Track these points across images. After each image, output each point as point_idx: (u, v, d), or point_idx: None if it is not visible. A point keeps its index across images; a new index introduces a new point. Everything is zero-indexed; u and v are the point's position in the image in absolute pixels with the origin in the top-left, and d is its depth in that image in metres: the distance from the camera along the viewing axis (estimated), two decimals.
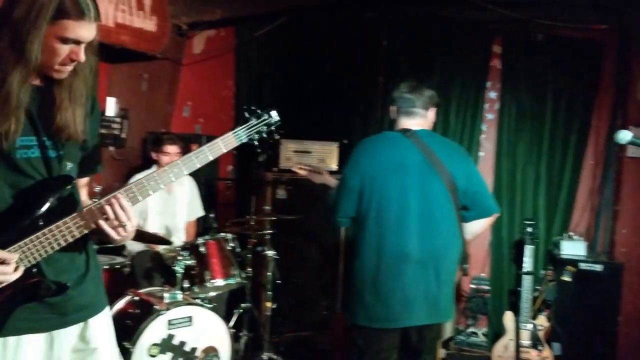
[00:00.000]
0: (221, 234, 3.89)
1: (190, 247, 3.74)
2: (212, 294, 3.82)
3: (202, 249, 3.72)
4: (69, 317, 1.83)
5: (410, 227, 2.74)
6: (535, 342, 4.23)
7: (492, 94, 5.13)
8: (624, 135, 2.45)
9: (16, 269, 1.64)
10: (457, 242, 2.86)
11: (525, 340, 4.22)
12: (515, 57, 5.03)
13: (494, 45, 5.08)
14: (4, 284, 1.63)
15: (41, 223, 1.69)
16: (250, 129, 1.96)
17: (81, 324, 1.87)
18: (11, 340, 1.72)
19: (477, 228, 2.93)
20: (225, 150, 1.91)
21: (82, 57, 1.70)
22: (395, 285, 2.73)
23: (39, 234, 1.68)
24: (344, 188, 2.99)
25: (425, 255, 2.73)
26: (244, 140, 1.95)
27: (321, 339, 4.82)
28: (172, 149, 4.25)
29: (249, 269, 4.07)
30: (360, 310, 2.82)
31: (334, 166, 5.10)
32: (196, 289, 3.68)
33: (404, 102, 3.02)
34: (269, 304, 4.06)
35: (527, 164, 5.00)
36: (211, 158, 1.88)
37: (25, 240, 1.67)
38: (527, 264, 4.27)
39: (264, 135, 1.99)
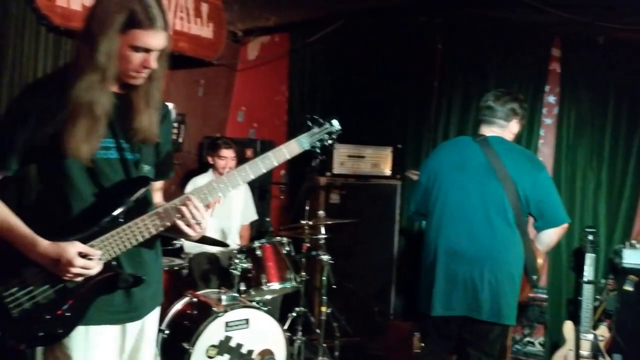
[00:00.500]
0: (277, 237, 3.92)
1: (246, 250, 3.78)
2: (268, 297, 3.85)
3: (258, 252, 3.76)
4: (140, 310, 1.97)
5: (462, 225, 2.93)
6: (596, 353, 4.10)
7: (551, 99, 5.02)
8: None
9: (98, 262, 1.77)
10: (515, 248, 2.92)
11: (586, 351, 4.10)
12: (575, 60, 4.90)
13: (553, 48, 4.96)
14: (87, 277, 1.76)
15: (121, 220, 1.82)
16: (313, 137, 2.03)
17: (142, 319, 2.00)
18: (92, 329, 1.84)
19: (547, 238, 2.98)
20: (289, 157, 1.98)
21: (153, 64, 1.80)
22: (440, 276, 2.96)
23: (119, 229, 1.80)
24: (416, 185, 3.29)
25: (473, 254, 2.90)
26: (307, 148, 2.02)
27: (374, 345, 4.80)
28: (227, 153, 4.33)
29: (303, 273, 4.08)
30: (420, 297, 3.13)
31: (387, 171, 5.08)
32: (252, 292, 3.72)
33: (486, 110, 3.11)
34: (324, 308, 4.06)
35: (587, 169, 4.86)
36: (276, 164, 1.96)
37: (106, 235, 1.79)
38: (588, 272, 4.15)
39: (325, 143, 2.07)
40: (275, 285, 3.76)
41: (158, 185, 2.10)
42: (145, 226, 1.82)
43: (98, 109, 1.77)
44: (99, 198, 1.82)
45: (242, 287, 3.71)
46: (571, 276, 4.71)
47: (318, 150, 2.05)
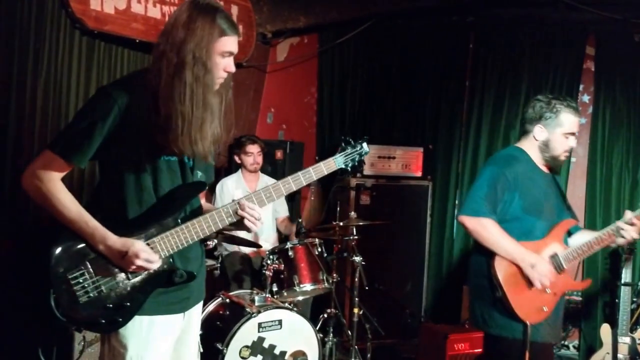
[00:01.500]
0: (309, 239, 3.91)
1: (279, 252, 3.78)
2: (300, 298, 3.84)
3: (290, 253, 3.75)
4: (190, 301, 2.10)
5: None
6: (634, 356, 4.01)
7: (585, 98, 4.94)
8: None
9: (159, 258, 1.93)
10: None
11: (623, 354, 4.01)
12: (609, 58, 4.81)
13: (587, 46, 4.87)
14: (149, 270, 1.92)
15: (179, 220, 2.00)
16: (347, 157, 2.22)
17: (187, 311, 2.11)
18: (146, 319, 1.96)
19: None
20: (326, 173, 2.18)
21: (234, 67, 1.98)
22: None
23: (177, 228, 1.96)
24: None
25: None
26: (341, 166, 2.21)
27: (406, 347, 4.76)
28: (253, 148, 4.39)
29: (335, 274, 4.06)
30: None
31: (418, 172, 5.03)
32: (285, 293, 3.71)
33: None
34: (355, 310, 4.03)
35: (623, 169, 4.76)
36: (315, 178, 2.16)
37: (165, 234, 1.95)
38: (625, 274, 4.06)
39: (356, 163, 2.26)
40: (308, 287, 3.75)
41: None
42: (201, 227, 1.98)
43: (217, 112, 1.95)
44: (161, 199, 1.97)
45: (275, 288, 3.70)
46: (606, 278, 4.61)
47: (349, 169, 2.23)
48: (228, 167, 5.03)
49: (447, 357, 3.83)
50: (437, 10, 5.00)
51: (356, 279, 4.04)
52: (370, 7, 4.86)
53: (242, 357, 3.30)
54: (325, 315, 4.12)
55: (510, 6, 4.82)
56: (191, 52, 1.86)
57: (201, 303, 2.21)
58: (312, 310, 4.38)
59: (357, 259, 4.02)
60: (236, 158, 4.50)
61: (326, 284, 3.83)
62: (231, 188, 4.40)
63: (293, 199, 4.98)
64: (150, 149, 1.93)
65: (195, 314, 2.17)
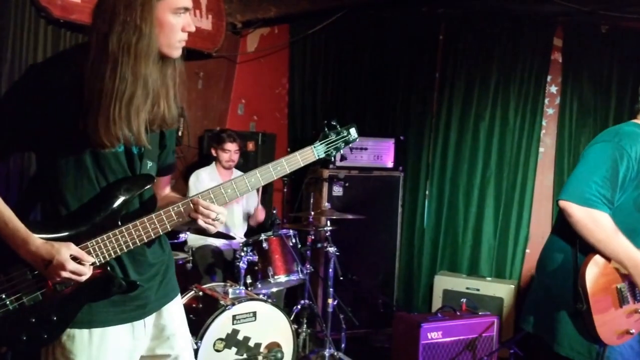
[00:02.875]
0: (283, 230, 3.89)
1: (253, 243, 3.76)
2: (274, 289, 3.83)
3: (264, 245, 3.73)
4: (148, 307, 1.87)
5: None
6: None
7: (553, 89, 5.00)
8: None
9: (90, 268, 1.66)
10: None
11: None
12: (577, 49, 4.89)
13: (555, 38, 4.94)
14: (77, 282, 1.65)
15: (119, 221, 1.71)
16: (329, 145, 1.98)
17: (155, 313, 1.91)
18: (97, 332, 1.75)
19: None
20: (302, 164, 1.93)
21: (193, 26, 1.70)
22: None
23: (116, 231, 1.70)
24: None
25: None
26: (322, 156, 1.97)
27: (379, 337, 4.79)
28: (232, 146, 4.34)
29: (308, 265, 4.06)
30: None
31: (389, 163, 5.05)
32: (259, 285, 3.69)
33: None
34: (330, 300, 4.04)
35: None
36: (288, 171, 1.90)
37: (102, 237, 1.69)
38: None
39: (341, 151, 2.03)
40: (282, 278, 3.74)
41: (165, 180, 2.01)
42: (145, 229, 1.72)
43: (152, 86, 1.66)
44: (100, 193, 1.72)
45: (249, 280, 3.68)
46: None
47: (333, 159, 2.03)
48: (198, 161, 4.97)
49: (420, 345, 3.86)
50: (408, 1, 5.01)
51: (330, 270, 4.04)
52: None
53: (216, 350, 3.27)
54: (299, 307, 4.12)
55: None
56: (121, 15, 1.58)
57: (175, 300, 1.97)
58: (286, 302, 4.38)
59: (332, 249, 4.02)
60: (212, 151, 4.46)
61: (300, 275, 3.83)
62: (206, 180, 4.35)
63: (265, 191, 4.95)
64: (86, 135, 1.64)
65: (169, 313, 1.93)
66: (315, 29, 5.24)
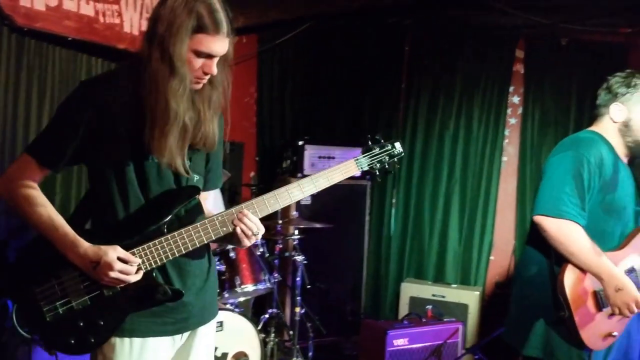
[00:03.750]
0: None
1: (220, 253, 3.75)
2: (242, 299, 3.83)
3: (232, 254, 3.73)
4: (189, 322, 1.88)
5: None
6: None
7: (515, 99, 5.13)
8: None
9: (137, 271, 1.72)
10: None
11: None
12: (538, 61, 5.02)
13: (517, 50, 5.07)
14: (124, 284, 1.72)
15: (165, 230, 1.77)
16: (373, 158, 2.01)
17: (190, 332, 1.92)
18: (137, 341, 1.78)
19: None
20: (345, 177, 1.96)
21: (214, 70, 1.76)
22: None
23: (162, 239, 1.75)
24: None
25: None
26: (365, 169, 2.00)
27: (347, 345, 4.83)
28: None
29: (276, 274, 4.07)
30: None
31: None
32: (226, 295, 3.69)
33: None
34: (297, 309, 4.05)
35: None
36: (331, 183, 1.93)
37: (149, 244, 1.75)
38: None
39: (386, 165, 2.03)
40: (250, 287, 3.73)
41: (211, 194, 2.06)
42: (190, 238, 1.77)
43: (184, 116, 1.74)
44: (147, 205, 1.79)
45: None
46: None
47: (377, 172, 2.02)
48: None
49: (386, 352, 3.90)
50: (375, 12, 5.08)
51: (298, 278, 4.06)
52: (310, 8, 4.88)
53: None
54: (267, 316, 4.12)
55: (445, 10, 4.96)
56: (160, 44, 1.68)
57: (211, 324, 1.98)
58: (254, 311, 4.38)
59: (299, 258, 4.04)
60: None
61: (268, 284, 3.84)
62: None
63: (233, 200, 4.95)
64: (135, 150, 1.75)
65: (203, 334, 1.93)
66: (284, 39, 5.28)
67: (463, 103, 5.14)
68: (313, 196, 4.87)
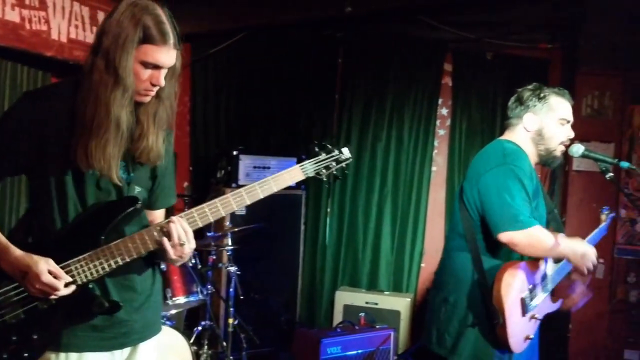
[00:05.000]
0: None
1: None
2: (173, 311, 3.78)
3: (163, 266, 3.67)
4: (129, 337, 1.87)
5: None
6: None
7: (444, 111, 5.29)
8: (577, 149, 2.59)
9: (69, 284, 1.70)
10: None
11: None
12: (465, 74, 5.21)
13: (445, 63, 5.24)
14: (53, 297, 1.69)
15: (102, 241, 1.75)
16: (319, 164, 1.97)
17: (130, 347, 1.90)
18: (73, 356, 1.76)
19: None
20: (290, 183, 1.93)
21: (162, 81, 1.75)
22: None
23: (97, 250, 1.73)
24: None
25: None
26: (311, 175, 1.96)
27: (282, 354, 4.83)
28: None
29: (209, 286, 4.04)
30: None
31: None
32: None
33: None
34: (231, 320, 4.04)
35: None
36: (275, 189, 1.89)
37: (84, 256, 1.73)
38: None
39: (334, 171, 2.00)
40: (181, 299, 3.70)
41: (160, 213, 2.03)
42: (126, 248, 1.74)
43: (124, 126, 1.73)
44: (85, 217, 1.76)
45: None
46: None
47: (324, 178, 1.98)
48: None
49: None
50: (308, 25, 5.15)
51: (231, 289, 4.05)
52: (243, 19, 4.90)
53: None
54: (200, 328, 4.08)
55: (375, 24, 5.09)
56: (105, 55, 1.68)
57: (152, 341, 1.96)
58: (188, 323, 4.33)
59: (232, 269, 4.03)
60: None
61: (200, 296, 3.81)
62: None
63: (166, 210, 4.88)
64: (75, 162, 1.72)
65: (145, 350, 1.91)
66: (218, 49, 5.27)
67: (394, 115, 5.26)
68: (248, 206, 4.88)
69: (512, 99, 2.64)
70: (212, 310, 4.25)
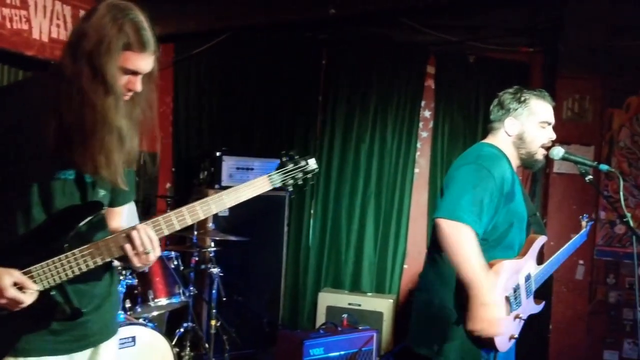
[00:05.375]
0: (165, 252, 3.84)
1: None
2: (155, 313, 3.75)
3: (145, 268, 3.66)
4: (88, 340, 1.87)
5: None
6: None
7: (427, 113, 5.32)
8: (558, 152, 2.62)
9: (31, 295, 1.68)
10: None
11: None
12: (448, 77, 5.24)
13: (428, 66, 5.28)
14: (17, 309, 1.67)
15: (66, 247, 1.73)
16: (286, 175, 1.98)
17: (91, 349, 1.90)
18: None
19: None
20: (257, 193, 1.95)
21: (139, 87, 1.76)
22: None
23: (61, 256, 1.72)
24: None
25: None
26: (278, 185, 1.98)
27: (264, 357, 4.82)
28: None
29: (192, 287, 4.03)
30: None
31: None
32: (139, 309, 3.61)
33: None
34: (213, 322, 4.02)
35: None
36: (243, 199, 1.92)
37: (47, 262, 1.71)
38: None
39: (300, 182, 2.02)
40: (163, 301, 3.68)
41: (119, 210, 2.01)
42: (90, 254, 1.73)
43: (124, 133, 1.74)
44: (49, 221, 1.74)
45: (128, 305, 3.59)
46: None
47: (290, 189, 2.02)
48: None
49: None
50: (291, 26, 5.16)
51: (214, 291, 4.03)
52: (227, 19, 4.89)
53: None
54: (182, 330, 4.06)
55: (359, 26, 5.11)
56: (89, 61, 1.67)
57: (113, 339, 1.97)
58: (170, 325, 4.31)
59: (215, 270, 4.02)
60: None
61: (183, 298, 3.79)
62: None
63: (148, 212, 4.85)
64: (43, 164, 1.72)
65: (105, 352, 1.91)
66: (201, 49, 5.25)
67: (377, 117, 5.28)
68: (231, 208, 4.87)
69: (494, 102, 2.63)
70: (195, 311, 4.23)
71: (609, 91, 4.79)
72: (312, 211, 5.40)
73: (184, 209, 1.83)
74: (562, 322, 4.70)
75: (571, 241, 2.74)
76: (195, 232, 4.13)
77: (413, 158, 5.28)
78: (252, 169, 5.00)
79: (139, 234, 1.74)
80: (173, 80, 5.47)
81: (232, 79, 5.53)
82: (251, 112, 5.50)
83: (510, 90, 2.59)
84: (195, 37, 5.25)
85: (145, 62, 1.73)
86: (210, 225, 4.32)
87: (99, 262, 1.75)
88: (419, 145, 5.32)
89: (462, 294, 2.32)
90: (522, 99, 2.52)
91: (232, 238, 4.20)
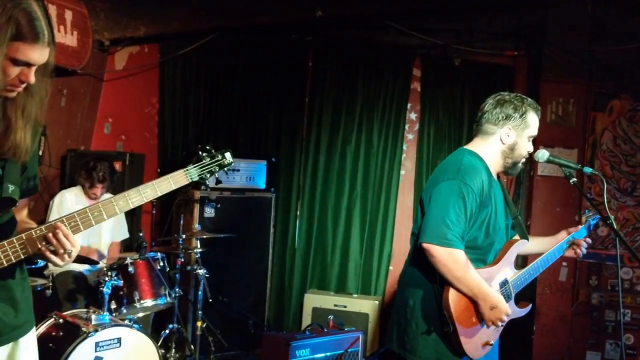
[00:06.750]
0: (150, 253, 3.82)
1: (117, 267, 3.65)
2: (141, 314, 3.74)
3: (130, 269, 3.65)
4: (10, 334, 1.83)
5: None
6: None
7: (413, 115, 5.35)
8: (542, 154, 2.65)
9: None
10: None
11: None
12: (433, 80, 5.27)
13: (414, 68, 5.30)
14: None
15: None
16: (203, 169, 1.98)
17: (11, 343, 1.85)
18: None
19: None
20: (174, 187, 1.92)
21: (32, 79, 1.68)
22: None
23: None
24: None
25: None
26: (195, 179, 1.96)
27: (250, 358, 4.81)
28: (97, 190, 4.11)
29: (177, 289, 4.01)
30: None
31: (261, 184, 5.13)
32: (124, 310, 3.59)
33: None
34: (199, 323, 4.01)
35: None
36: (159, 194, 1.88)
37: None
38: None
39: (216, 175, 2.03)
40: (149, 302, 3.66)
41: (23, 202, 1.95)
42: (4, 253, 1.68)
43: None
44: None
45: (113, 306, 3.57)
46: None
47: (207, 182, 2.01)
48: (60, 181, 4.76)
49: None
50: (278, 28, 5.16)
51: (199, 292, 4.02)
52: (213, 20, 4.88)
53: None
54: (168, 331, 4.05)
55: (345, 28, 5.13)
56: None
57: (32, 333, 1.92)
58: (156, 326, 4.28)
59: (201, 271, 4.00)
60: (81, 180, 4.19)
61: (168, 299, 3.77)
62: (71, 202, 4.14)
63: (134, 213, 4.82)
64: None
65: (25, 345, 1.88)
66: (187, 50, 5.23)
67: (364, 118, 5.30)
68: (217, 208, 4.87)
69: (491, 102, 2.54)
70: (180, 313, 4.22)
71: (592, 95, 4.84)
72: (298, 213, 5.40)
73: (99, 204, 1.79)
74: (545, 324, 4.75)
75: (565, 239, 2.76)
76: (182, 235, 4.11)
77: (399, 160, 5.30)
78: (237, 170, 4.99)
79: (57, 237, 1.71)
80: (159, 80, 5.45)
81: (218, 80, 5.51)
82: (237, 113, 5.49)
83: (513, 98, 2.53)
84: (181, 38, 5.24)
85: (37, 54, 1.66)
86: (196, 226, 4.30)
87: (13, 260, 1.71)
88: (404, 147, 5.34)
89: (432, 300, 2.39)
90: (523, 111, 2.49)
91: (219, 235, 4.18)
